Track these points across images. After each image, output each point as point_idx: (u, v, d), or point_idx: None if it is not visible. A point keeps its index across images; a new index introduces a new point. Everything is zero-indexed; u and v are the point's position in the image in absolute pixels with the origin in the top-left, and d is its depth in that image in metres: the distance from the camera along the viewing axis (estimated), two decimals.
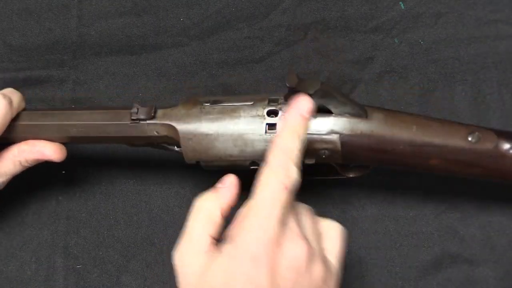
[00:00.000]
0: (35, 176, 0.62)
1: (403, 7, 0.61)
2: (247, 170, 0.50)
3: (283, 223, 0.42)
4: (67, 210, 0.62)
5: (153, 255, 0.60)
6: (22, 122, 0.54)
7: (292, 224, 0.43)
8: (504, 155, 0.47)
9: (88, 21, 0.64)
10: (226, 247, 0.43)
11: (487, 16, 0.60)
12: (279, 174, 0.43)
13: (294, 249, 0.42)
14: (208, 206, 0.46)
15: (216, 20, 0.63)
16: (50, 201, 0.62)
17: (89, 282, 0.60)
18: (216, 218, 0.45)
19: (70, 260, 0.61)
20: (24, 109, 0.55)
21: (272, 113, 0.49)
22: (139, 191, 0.62)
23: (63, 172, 0.62)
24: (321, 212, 0.60)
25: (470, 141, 0.47)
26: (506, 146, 0.47)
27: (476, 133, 0.47)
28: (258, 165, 0.50)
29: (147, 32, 0.64)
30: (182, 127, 0.50)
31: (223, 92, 0.63)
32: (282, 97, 0.49)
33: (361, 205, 0.60)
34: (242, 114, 0.49)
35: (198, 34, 0.63)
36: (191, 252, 0.44)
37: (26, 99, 0.56)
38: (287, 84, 0.45)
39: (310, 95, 0.45)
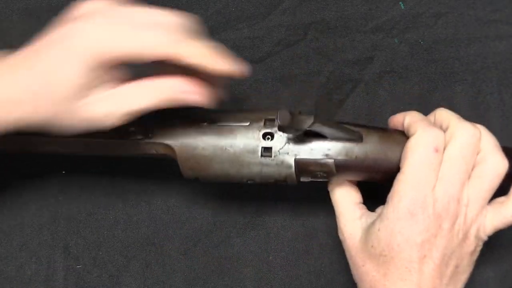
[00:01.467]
0: (35, 176, 0.62)
1: (403, 7, 0.61)
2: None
3: (432, 183, 0.46)
4: (67, 210, 0.62)
5: (153, 255, 0.60)
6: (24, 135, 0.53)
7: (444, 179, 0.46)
8: None
9: None
10: (384, 209, 0.47)
11: (487, 16, 0.60)
12: (427, 138, 0.46)
13: (445, 195, 0.46)
14: (340, 181, 0.52)
15: (216, 20, 0.63)
16: (50, 201, 0.62)
17: (89, 282, 0.60)
18: (351, 188, 0.52)
19: (70, 260, 0.61)
20: None
21: (268, 135, 0.49)
22: (139, 191, 0.62)
23: (63, 172, 0.62)
24: (323, 215, 0.60)
25: None
26: None
27: None
28: (254, 181, 0.50)
29: None
30: (179, 147, 0.50)
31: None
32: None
33: None
34: (238, 136, 0.49)
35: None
36: (349, 222, 0.50)
37: None
38: (279, 123, 0.44)
39: (304, 130, 0.46)
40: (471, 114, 0.59)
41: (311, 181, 0.50)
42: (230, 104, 0.58)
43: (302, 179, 0.50)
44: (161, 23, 0.45)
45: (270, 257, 0.60)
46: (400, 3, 0.61)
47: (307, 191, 0.60)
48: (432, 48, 0.61)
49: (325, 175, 0.49)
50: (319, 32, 0.62)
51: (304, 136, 0.48)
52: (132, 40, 0.43)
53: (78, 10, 0.46)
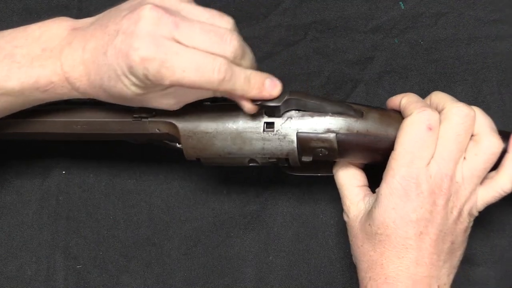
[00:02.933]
0: (35, 176, 0.62)
1: (403, 7, 0.61)
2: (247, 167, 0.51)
3: (426, 160, 0.46)
4: (67, 210, 0.62)
5: (153, 255, 0.60)
6: (27, 118, 0.54)
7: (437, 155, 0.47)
8: None
9: None
10: (379, 187, 0.48)
11: (487, 16, 0.60)
12: (420, 117, 0.47)
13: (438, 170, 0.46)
14: (344, 165, 0.53)
15: None
16: (50, 201, 0.62)
17: (89, 282, 0.60)
18: (355, 171, 0.52)
19: (70, 260, 0.61)
20: None
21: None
22: (139, 191, 0.62)
23: (63, 172, 0.62)
24: (323, 215, 0.60)
25: None
26: None
27: None
28: (256, 162, 0.50)
29: None
30: (183, 125, 0.50)
31: None
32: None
33: None
34: (240, 112, 0.50)
35: None
36: (352, 203, 0.51)
37: None
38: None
39: (279, 106, 0.47)
40: None
41: (312, 161, 0.50)
42: None
43: (303, 159, 0.50)
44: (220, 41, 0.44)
45: (270, 257, 0.60)
46: (400, 3, 0.61)
47: (307, 191, 0.60)
48: (432, 48, 0.61)
49: (326, 152, 0.49)
50: (319, 32, 0.62)
51: (306, 112, 0.49)
52: (190, 73, 0.43)
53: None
